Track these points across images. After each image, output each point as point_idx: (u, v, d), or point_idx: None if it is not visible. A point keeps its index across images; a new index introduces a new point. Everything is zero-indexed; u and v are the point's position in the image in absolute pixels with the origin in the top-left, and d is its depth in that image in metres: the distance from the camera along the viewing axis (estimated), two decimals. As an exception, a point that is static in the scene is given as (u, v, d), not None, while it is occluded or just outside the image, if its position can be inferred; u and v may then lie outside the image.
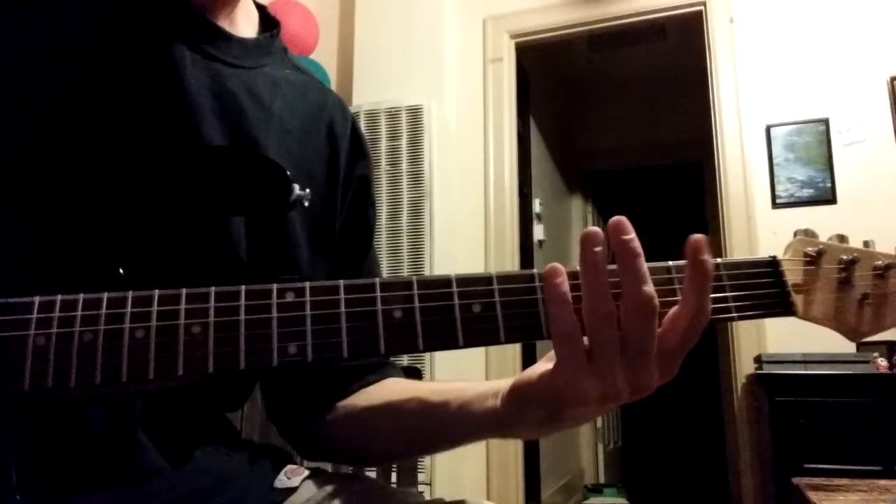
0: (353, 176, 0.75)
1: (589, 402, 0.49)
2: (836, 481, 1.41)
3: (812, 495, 1.30)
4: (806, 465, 2.20)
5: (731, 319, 0.52)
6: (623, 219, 0.49)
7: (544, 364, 0.53)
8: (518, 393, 0.56)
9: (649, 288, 0.47)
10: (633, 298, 0.47)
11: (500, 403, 0.57)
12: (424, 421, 0.65)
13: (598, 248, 0.48)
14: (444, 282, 0.49)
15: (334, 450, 0.73)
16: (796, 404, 2.34)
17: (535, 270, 0.50)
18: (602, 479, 4.49)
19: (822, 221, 2.60)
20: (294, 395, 0.72)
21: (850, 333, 0.55)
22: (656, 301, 0.47)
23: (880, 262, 0.55)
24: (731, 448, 3.29)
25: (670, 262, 0.51)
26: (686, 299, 0.49)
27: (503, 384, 0.58)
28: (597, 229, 0.48)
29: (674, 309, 0.49)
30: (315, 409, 0.71)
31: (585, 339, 0.48)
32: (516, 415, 0.56)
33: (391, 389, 0.70)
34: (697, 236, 0.49)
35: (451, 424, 0.62)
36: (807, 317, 0.54)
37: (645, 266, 0.48)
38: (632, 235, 0.48)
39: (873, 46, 2.70)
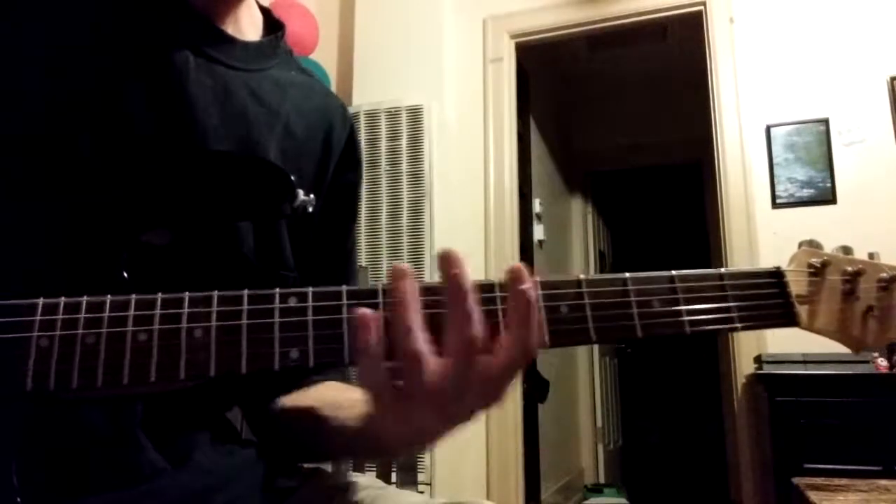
0: (338, 184, 0.75)
1: (402, 439, 0.48)
2: (836, 481, 1.41)
3: (812, 495, 1.30)
4: (806, 465, 2.20)
5: (735, 330, 0.52)
6: (453, 252, 0.46)
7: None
8: (363, 424, 0.54)
9: (473, 330, 0.45)
10: (457, 339, 0.45)
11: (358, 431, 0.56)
12: (310, 431, 0.64)
13: (406, 283, 0.46)
14: (443, 287, 0.49)
15: (271, 440, 0.72)
16: (796, 404, 2.34)
17: (536, 277, 0.50)
18: (602, 479, 4.49)
19: (822, 221, 2.60)
20: (253, 385, 0.72)
21: (854, 345, 0.55)
22: (478, 343, 0.45)
23: (885, 275, 0.55)
24: (731, 448, 3.30)
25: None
26: (509, 330, 0.46)
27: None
28: (405, 267, 0.47)
29: (500, 338, 0.47)
30: (261, 399, 0.71)
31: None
32: (367, 442, 0.55)
33: (315, 394, 0.69)
34: (515, 265, 0.47)
35: (327, 439, 0.62)
36: (811, 328, 0.55)
37: (472, 304, 0.45)
38: (461, 270, 0.46)
39: (873, 46, 2.70)
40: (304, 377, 0.71)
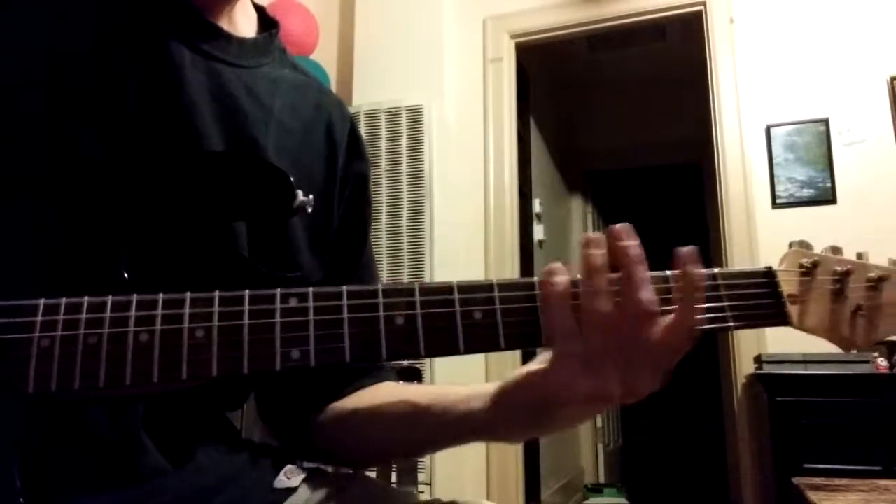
0: (350, 175, 0.75)
1: (581, 401, 0.51)
2: (836, 481, 1.41)
3: (812, 495, 1.30)
4: (806, 465, 2.20)
5: (728, 329, 0.53)
6: (626, 225, 0.50)
7: (534, 366, 0.54)
8: (506, 394, 0.57)
9: (648, 294, 0.49)
10: (632, 304, 0.49)
11: (487, 405, 0.58)
12: (411, 424, 0.65)
13: (598, 251, 0.49)
14: (446, 288, 0.49)
15: (324, 450, 0.73)
16: (796, 404, 2.34)
17: (535, 278, 0.51)
18: (602, 479, 4.49)
19: (823, 221, 2.60)
20: (288, 396, 0.72)
21: (844, 344, 0.56)
22: (656, 307, 0.49)
23: (873, 274, 0.56)
24: (731, 448, 3.30)
25: (668, 272, 0.52)
26: (678, 309, 0.50)
27: (490, 387, 0.59)
28: (598, 234, 0.50)
29: (667, 318, 0.50)
30: (307, 410, 0.71)
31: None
32: (503, 416, 0.57)
33: (382, 393, 0.71)
34: (688, 249, 0.51)
35: (435, 427, 0.63)
36: (801, 327, 0.55)
37: (645, 272, 0.49)
38: (634, 242, 0.50)
39: (873, 46, 2.70)
40: (350, 383, 0.71)
